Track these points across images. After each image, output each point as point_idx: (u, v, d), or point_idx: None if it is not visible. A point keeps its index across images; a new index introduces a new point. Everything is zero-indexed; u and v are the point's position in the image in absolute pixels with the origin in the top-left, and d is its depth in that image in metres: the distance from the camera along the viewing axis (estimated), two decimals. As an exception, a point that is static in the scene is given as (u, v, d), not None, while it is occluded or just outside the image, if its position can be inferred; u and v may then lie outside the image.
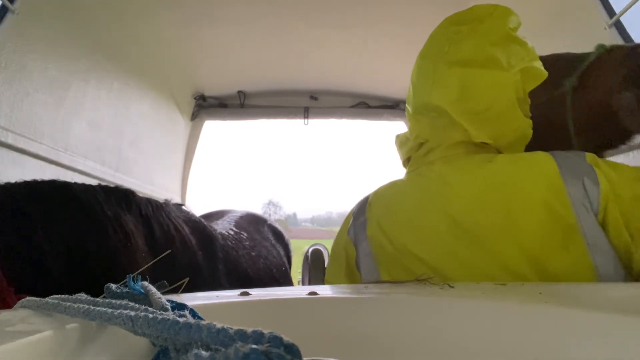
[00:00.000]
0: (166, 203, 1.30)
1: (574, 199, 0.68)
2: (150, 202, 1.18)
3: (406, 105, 0.96)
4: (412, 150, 0.93)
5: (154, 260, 1.02)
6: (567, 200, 0.68)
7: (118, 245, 0.95)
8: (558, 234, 0.68)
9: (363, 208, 0.91)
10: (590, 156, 0.73)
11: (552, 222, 0.68)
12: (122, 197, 1.06)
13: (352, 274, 0.88)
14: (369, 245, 0.85)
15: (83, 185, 0.96)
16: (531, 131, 0.85)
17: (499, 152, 0.86)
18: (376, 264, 0.82)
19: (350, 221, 0.92)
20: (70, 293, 0.81)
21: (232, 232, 1.71)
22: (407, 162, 0.96)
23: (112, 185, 1.08)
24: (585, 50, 0.93)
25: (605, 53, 0.88)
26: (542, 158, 0.75)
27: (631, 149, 1.43)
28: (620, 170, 0.70)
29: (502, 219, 0.72)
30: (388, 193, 0.92)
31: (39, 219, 0.82)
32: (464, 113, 0.82)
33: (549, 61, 0.93)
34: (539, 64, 0.84)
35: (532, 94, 0.87)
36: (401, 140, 0.97)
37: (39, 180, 0.88)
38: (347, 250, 0.90)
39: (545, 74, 0.84)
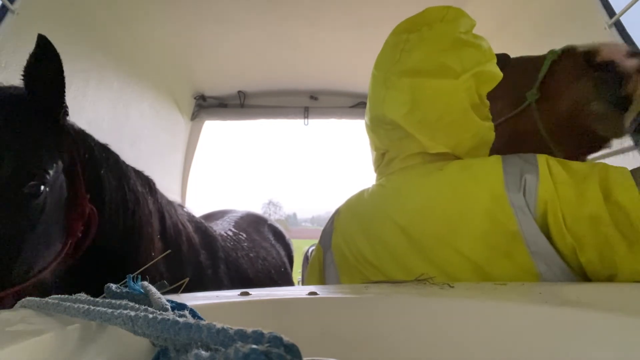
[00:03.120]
0: (171, 201, 1.32)
1: (515, 206, 0.66)
2: (163, 195, 1.25)
3: (365, 117, 0.96)
4: (377, 162, 0.94)
5: (156, 259, 1.04)
6: (509, 208, 0.67)
7: (144, 217, 1.06)
8: (501, 242, 0.67)
9: (332, 218, 0.95)
10: (542, 158, 0.71)
11: (494, 231, 0.67)
12: (146, 181, 1.18)
13: (323, 281, 0.91)
14: (332, 253, 0.88)
15: (121, 159, 1.09)
16: (493, 134, 0.84)
17: (458, 158, 0.84)
18: (338, 273, 0.85)
19: (322, 230, 0.97)
20: (109, 234, 0.95)
21: (231, 233, 1.71)
22: (376, 173, 0.98)
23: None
24: None
25: (557, 60, 0.87)
26: (490, 165, 0.73)
27: (632, 149, 1.43)
28: (573, 171, 0.67)
29: (446, 227, 0.72)
30: (354, 203, 0.94)
31: (106, 166, 0.98)
32: (416, 125, 0.81)
33: (514, 66, 0.94)
34: (493, 66, 0.82)
35: (500, 105, 0.87)
36: (370, 153, 0.99)
37: (97, 140, 1.03)
38: (319, 257, 0.94)
39: (500, 75, 0.83)
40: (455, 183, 0.74)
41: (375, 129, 0.89)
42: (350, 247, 0.84)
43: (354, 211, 0.91)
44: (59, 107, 0.87)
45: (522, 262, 0.65)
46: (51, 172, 0.80)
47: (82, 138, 0.96)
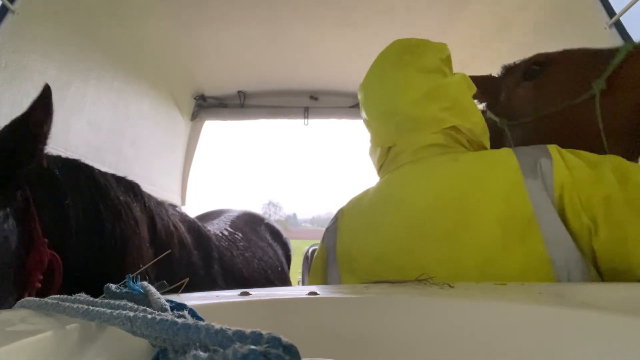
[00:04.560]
0: (162, 202, 1.31)
1: (531, 191, 0.69)
2: (151, 196, 1.21)
3: (363, 114, 0.98)
4: (382, 157, 0.95)
5: (154, 260, 1.03)
6: (525, 193, 0.69)
7: (129, 230, 1.00)
8: (517, 227, 0.68)
9: (336, 216, 0.95)
10: (552, 146, 0.73)
11: (510, 215, 0.68)
12: (129, 187, 1.11)
13: (326, 282, 0.91)
14: (335, 252, 0.88)
15: (99, 169, 1.02)
16: (487, 127, 0.90)
17: (468, 150, 0.88)
18: (340, 272, 0.85)
19: (325, 229, 0.97)
20: (82, 265, 0.85)
21: (226, 233, 1.71)
22: (379, 170, 0.98)
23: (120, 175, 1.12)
24: None
25: (634, 51, 0.81)
26: (504, 154, 0.76)
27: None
28: (585, 157, 0.70)
29: (462, 215, 0.73)
30: (359, 201, 0.94)
31: (69, 189, 0.89)
32: (434, 109, 0.86)
33: (561, 60, 0.90)
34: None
35: (553, 98, 0.87)
36: (370, 150, 1.00)
37: (65, 157, 0.95)
38: (322, 257, 0.93)
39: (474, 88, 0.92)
40: (471, 171, 0.77)
41: (385, 122, 0.91)
42: (356, 244, 0.84)
43: (360, 208, 0.92)
44: (32, 158, 0.78)
45: (536, 248, 0.66)
46: None
47: (39, 172, 0.85)
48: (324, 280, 0.91)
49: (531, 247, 0.66)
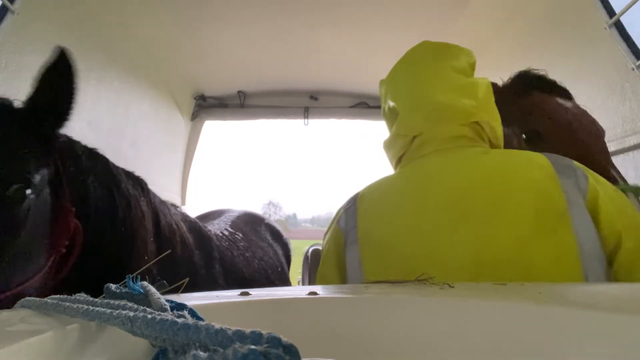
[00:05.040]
0: (165, 201, 1.31)
1: (566, 186, 0.74)
2: (155, 195, 1.23)
3: (386, 105, 1.01)
4: (405, 147, 0.96)
5: (156, 259, 1.03)
6: (560, 187, 0.73)
7: (136, 221, 1.03)
8: (550, 219, 0.72)
9: (354, 199, 0.95)
10: (575, 162, 0.80)
11: (545, 207, 0.72)
12: (137, 182, 1.15)
13: (341, 262, 0.90)
14: (356, 234, 0.87)
15: (111, 161, 1.07)
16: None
17: (494, 147, 0.93)
18: (360, 252, 0.85)
19: (341, 213, 0.96)
20: (98, 242, 0.92)
21: (227, 233, 1.71)
22: (398, 162, 0.99)
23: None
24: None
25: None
26: (534, 153, 0.82)
27: (632, 149, 1.43)
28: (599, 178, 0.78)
29: (496, 202, 0.76)
30: (379, 186, 0.95)
31: (90, 170, 0.96)
32: (465, 102, 0.89)
33: (560, 139, 1.09)
34: None
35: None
36: (389, 141, 1.00)
37: (84, 144, 1.01)
38: (337, 240, 0.92)
39: None
40: (506, 163, 0.81)
41: (414, 110, 0.94)
42: (380, 226, 0.86)
43: (381, 192, 0.93)
44: (60, 121, 0.86)
45: (565, 239, 0.70)
46: (37, 178, 0.77)
47: (70, 147, 0.94)
48: (339, 264, 0.90)
49: (562, 239, 0.70)
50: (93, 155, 1.01)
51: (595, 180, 0.76)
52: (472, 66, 0.98)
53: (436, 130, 0.90)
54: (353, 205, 0.93)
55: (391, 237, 0.83)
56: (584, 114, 1.15)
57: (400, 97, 0.97)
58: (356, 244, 0.86)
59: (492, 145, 0.93)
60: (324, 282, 0.92)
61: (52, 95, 0.84)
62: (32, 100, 0.83)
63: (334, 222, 0.97)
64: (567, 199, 0.72)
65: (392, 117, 0.99)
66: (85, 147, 0.99)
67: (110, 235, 0.95)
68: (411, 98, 0.95)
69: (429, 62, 0.96)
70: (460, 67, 0.94)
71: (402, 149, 0.96)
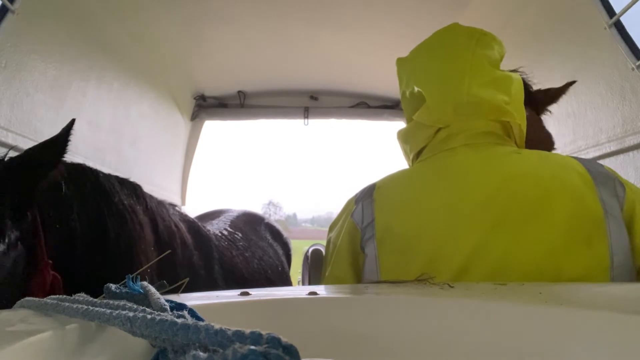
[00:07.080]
0: (162, 201, 1.30)
1: (603, 194, 0.71)
2: (152, 197, 1.22)
3: (408, 89, 0.94)
4: (428, 138, 0.91)
5: (155, 260, 1.03)
6: (597, 195, 0.71)
7: (134, 235, 1.00)
8: (584, 227, 0.69)
9: (370, 192, 0.89)
10: (610, 169, 0.78)
11: (580, 214, 0.70)
12: (132, 188, 1.11)
13: (357, 260, 0.85)
14: (374, 228, 0.82)
15: (103, 172, 1.02)
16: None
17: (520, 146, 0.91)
18: (377, 250, 0.80)
19: (354, 206, 0.89)
20: (88, 277, 0.85)
21: (226, 233, 1.70)
22: (417, 154, 0.95)
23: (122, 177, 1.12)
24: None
25: None
26: (568, 157, 0.79)
27: (632, 149, 1.42)
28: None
29: (531, 207, 0.73)
30: (401, 178, 0.90)
31: (74, 201, 0.89)
32: (499, 98, 0.86)
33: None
34: None
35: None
36: (407, 131, 0.96)
37: (70, 163, 0.92)
38: (352, 236, 0.86)
39: None
40: (541, 166, 0.78)
41: (443, 101, 0.88)
42: (400, 220, 0.81)
43: (403, 185, 0.88)
44: (43, 178, 0.79)
45: (599, 251, 0.68)
46: (12, 237, 0.73)
47: (50, 193, 0.85)
48: (354, 262, 0.85)
49: (596, 251, 0.68)
50: (79, 176, 0.94)
51: (631, 189, 0.74)
52: (502, 59, 0.93)
53: (466, 124, 0.86)
54: (370, 197, 0.86)
55: (416, 233, 0.78)
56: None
57: (428, 83, 0.90)
58: (373, 240, 0.81)
59: (517, 144, 0.90)
60: (337, 283, 0.86)
61: (37, 154, 0.78)
62: (15, 158, 0.77)
63: (345, 215, 0.90)
64: (604, 209, 0.70)
65: (414, 103, 0.92)
66: (70, 169, 0.91)
67: (102, 262, 0.91)
68: (442, 87, 0.88)
69: (462, 49, 0.89)
70: (494, 59, 0.89)
71: (424, 141, 0.91)
